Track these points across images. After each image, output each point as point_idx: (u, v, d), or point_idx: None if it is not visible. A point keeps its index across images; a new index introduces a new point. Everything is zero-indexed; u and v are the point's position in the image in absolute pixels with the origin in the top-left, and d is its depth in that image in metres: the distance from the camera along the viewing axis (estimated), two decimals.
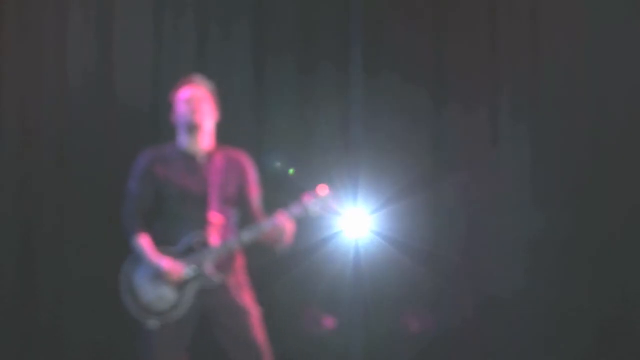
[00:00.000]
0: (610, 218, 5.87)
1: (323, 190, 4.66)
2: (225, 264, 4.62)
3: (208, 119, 4.69)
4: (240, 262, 4.70)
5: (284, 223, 4.59)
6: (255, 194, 4.77)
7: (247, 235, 4.60)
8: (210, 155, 4.71)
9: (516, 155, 5.95)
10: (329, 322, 5.90)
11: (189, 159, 4.69)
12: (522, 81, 5.99)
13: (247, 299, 4.65)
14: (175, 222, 4.60)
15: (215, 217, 4.60)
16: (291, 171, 5.85)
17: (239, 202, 4.72)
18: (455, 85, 5.99)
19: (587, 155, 5.92)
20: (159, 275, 4.55)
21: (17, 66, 5.80)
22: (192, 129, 4.66)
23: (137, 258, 4.61)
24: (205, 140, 4.70)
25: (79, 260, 5.74)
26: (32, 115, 5.81)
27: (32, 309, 5.76)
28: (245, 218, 4.73)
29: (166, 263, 4.55)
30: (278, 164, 5.84)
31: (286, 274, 5.70)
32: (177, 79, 4.82)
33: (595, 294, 5.85)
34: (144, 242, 4.60)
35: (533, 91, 5.98)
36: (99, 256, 5.67)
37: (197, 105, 4.67)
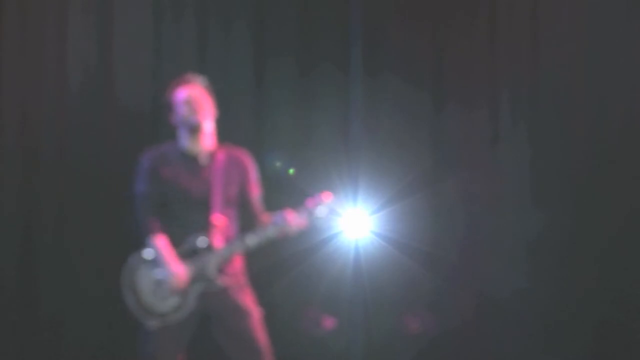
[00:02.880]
0: (610, 218, 5.87)
1: (327, 196, 4.65)
2: (227, 266, 4.61)
3: (208, 118, 4.68)
4: (240, 264, 4.69)
5: (290, 223, 4.57)
6: (256, 193, 4.75)
7: (252, 239, 4.59)
8: (211, 155, 4.69)
9: (516, 155, 5.96)
10: (329, 322, 5.90)
11: (190, 160, 4.66)
12: (521, 81, 6.00)
13: (248, 300, 4.63)
14: (178, 224, 4.58)
15: (218, 219, 4.60)
16: (291, 171, 5.85)
17: (240, 202, 4.71)
18: (455, 85, 6.00)
19: (586, 155, 5.92)
20: (162, 279, 4.53)
21: (17, 66, 5.79)
22: (194, 129, 4.64)
23: (140, 259, 4.60)
24: (206, 140, 4.69)
25: (79, 260, 5.74)
26: (32, 115, 5.80)
27: (32, 309, 5.76)
28: (246, 217, 4.72)
29: (176, 268, 4.53)
30: (278, 164, 5.84)
31: (286, 274, 5.71)
32: (177, 79, 4.81)
33: (595, 294, 5.85)
34: (160, 244, 4.57)
35: (533, 91, 5.99)
36: (99, 256, 5.67)
37: (197, 105, 4.64)
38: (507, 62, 6.01)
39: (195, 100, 4.64)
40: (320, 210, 4.61)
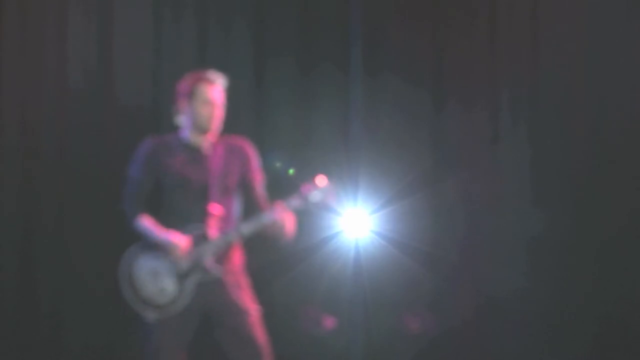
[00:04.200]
0: (610, 218, 5.86)
1: (322, 180, 4.65)
2: (224, 258, 4.61)
3: (220, 121, 4.68)
4: (240, 262, 4.69)
5: (283, 214, 4.57)
6: (258, 180, 4.75)
7: (246, 227, 4.59)
8: (212, 145, 4.69)
9: (516, 155, 5.95)
10: (329, 322, 5.90)
11: (191, 150, 4.67)
12: (521, 81, 6.00)
13: (246, 299, 4.64)
14: (175, 213, 4.60)
15: (215, 209, 4.60)
16: (291, 171, 5.85)
17: (241, 191, 4.71)
18: (455, 85, 6.00)
19: (587, 155, 5.92)
20: (165, 251, 4.53)
21: (17, 66, 5.80)
22: (204, 131, 4.65)
23: (137, 251, 4.60)
24: (210, 137, 4.69)
25: (79, 260, 5.74)
26: (32, 115, 5.80)
27: (32, 309, 5.75)
28: (250, 205, 4.72)
29: (174, 237, 4.53)
30: (278, 164, 5.84)
31: (286, 273, 5.71)
32: (177, 79, 4.81)
33: (595, 294, 5.85)
34: (148, 222, 4.59)
35: (533, 91, 5.98)
36: (99, 256, 5.67)
37: (216, 110, 4.65)
38: (507, 62, 6.00)
39: (216, 105, 4.65)
40: (315, 195, 4.61)
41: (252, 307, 4.63)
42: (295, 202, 4.61)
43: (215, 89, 4.68)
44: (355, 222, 5.70)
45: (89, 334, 5.74)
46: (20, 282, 5.76)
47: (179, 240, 4.53)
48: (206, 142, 4.68)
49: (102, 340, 5.73)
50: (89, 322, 5.73)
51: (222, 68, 5.80)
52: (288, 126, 5.93)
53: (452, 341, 5.90)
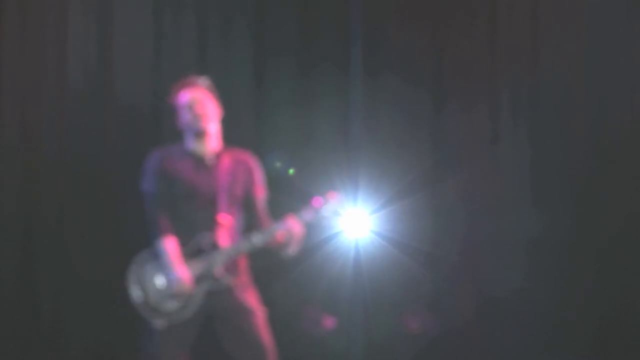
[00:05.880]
0: (610, 218, 5.87)
1: (333, 196, 4.65)
2: (231, 266, 4.61)
3: (213, 121, 4.67)
4: (244, 263, 4.68)
5: (294, 227, 4.57)
6: (261, 195, 4.74)
7: (258, 239, 4.58)
8: (217, 157, 4.69)
9: (516, 155, 5.96)
10: (329, 322, 5.90)
11: (197, 159, 4.66)
12: (521, 81, 6.00)
13: (252, 299, 4.63)
14: (184, 221, 4.57)
15: (224, 218, 4.59)
16: (291, 171, 5.85)
17: (245, 204, 4.71)
18: (454, 85, 6.00)
19: (587, 155, 5.92)
20: (168, 281, 4.52)
21: (17, 66, 5.79)
22: (199, 134, 4.64)
23: (146, 257, 4.59)
24: (212, 142, 4.68)
25: (79, 260, 5.74)
26: (32, 116, 5.80)
27: (32, 309, 5.75)
28: (250, 219, 4.72)
29: (182, 272, 4.51)
30: (278, 164, 5.84)
31: (286, 274, 5.71)
32: (177, 79, 4.81)
33: (595, 294, 5.85)
34: (169, 246, 4.54)
35: (533, 91, 5.99)
36: (99, 256, 5.67)
37: (201, 109, 4.63)
38: (507, 62, 6.01)
39: (199, 104, 4.63)
40: (326, 209, 4.62)
41: (257, 308, 4.63)
42: (307, 215, 4.61)
43: (194, 90, 4.67)
44: (355, 222, 5.70)
45: (89, 334, 5.74)
46: (20, 282, 5.76)
47: (186, 277, 4.51)
48: (210, 150, 4.67)
49: (102, 340, 5.73)
50: (89, 322, 5.72)
51: (222, 68, 5.85)
52: (288, 126, 5.94)
53: (452, 341, 5.91)
